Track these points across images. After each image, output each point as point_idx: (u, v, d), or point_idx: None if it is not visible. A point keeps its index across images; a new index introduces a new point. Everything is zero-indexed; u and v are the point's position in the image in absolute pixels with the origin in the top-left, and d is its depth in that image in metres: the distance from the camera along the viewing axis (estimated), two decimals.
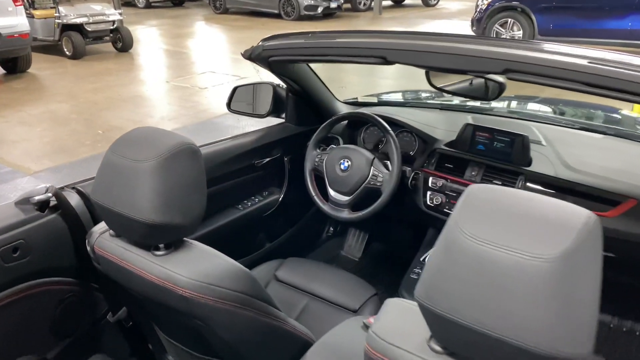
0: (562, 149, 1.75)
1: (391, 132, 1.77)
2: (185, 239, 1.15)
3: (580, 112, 2.24)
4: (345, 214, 1.83)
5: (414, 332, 0.84)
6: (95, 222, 1.37)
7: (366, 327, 1.33)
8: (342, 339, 1.30)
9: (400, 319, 0.89)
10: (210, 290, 1.03)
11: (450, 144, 1.87)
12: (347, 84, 6.34)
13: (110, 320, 1.49)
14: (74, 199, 1.36)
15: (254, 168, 2.01)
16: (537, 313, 0.61)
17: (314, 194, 1.92)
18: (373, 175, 1.77)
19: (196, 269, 1.06)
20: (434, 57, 1.34)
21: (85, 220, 1.37)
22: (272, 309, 1.17)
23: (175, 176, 1.04)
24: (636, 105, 2.18)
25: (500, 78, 1.47)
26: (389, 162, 1.81)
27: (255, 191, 2.10)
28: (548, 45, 1.30)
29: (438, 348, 0.79)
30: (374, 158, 1.79)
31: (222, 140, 1.90)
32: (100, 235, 1.19)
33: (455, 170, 1.81)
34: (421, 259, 1.88)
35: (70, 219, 1.33)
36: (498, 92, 1.44)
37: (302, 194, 2.22)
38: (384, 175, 1.76)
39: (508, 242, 0.63)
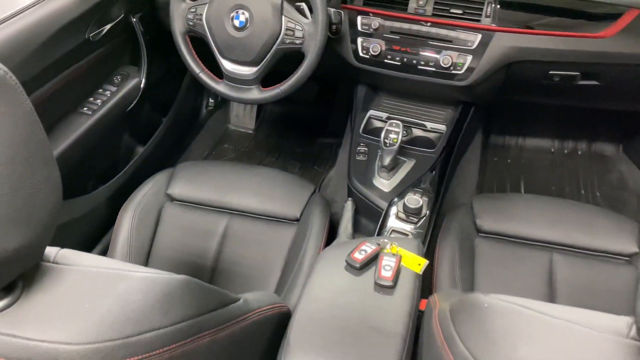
0: None
1: None
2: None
3: None
4: (254, 94, 1.26)
5: None
6: None
7: (352, 266, 0.93)
8: (328, 295, 0.90)
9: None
10: (129, 349, 0.52)
11: None
12: None
13: None
14: None
15: (91, 45, 1.28)
16: None
17: (197, 70, 1.29)
18: (287, 29, 1.18)
19: (87, 318, 0.53)
20: None
21: None
22: (228, 308, 0.70)
23: None
24: None
25: None
26: (303, 4, 1.22)
27: (103, 80, 1.39)
28: None
29: None
30: (282, 2, 1.18)
31: (22, 11, 1.11)
32: None
33: (394, 1, 1.29)
34: (361, 131, 1.44)
35: None
36: None
37: (170, 63, 1.55)
38: (305, 27, 1.18)
39: None
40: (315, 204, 1.24)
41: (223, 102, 2.00)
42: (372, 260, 0.94)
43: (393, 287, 0.87)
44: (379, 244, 0.97)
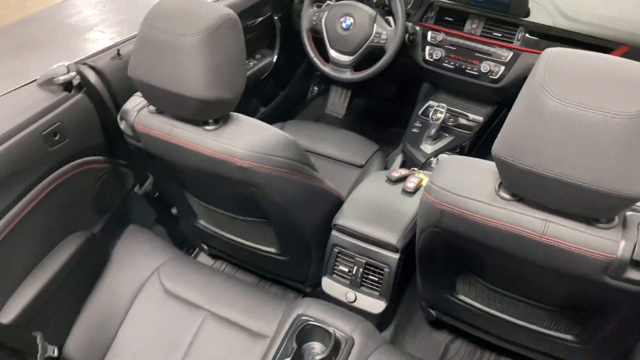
0: None
1: None
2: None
3: None
4: (348, 75, 1.84)
5: (479, 185, 0.95)
6: (114, 99, 1.33)
7: (390, 180, 1.44)
8: (371, 192, 1.42)
9: (460, 174, 0.99)
10: (266, 160, 1.09)
11: None
12: None
13: (138, 193, 1.53)
14: (90, 76, 1.30)
15: (247, 30, 1.93)
16: (618, 162, 0.72)
17: (312, 55, 1.90)
18: (377, 32, 1.76)
19: (250, 140, 1.09)
20: None
21: (105, 97, 1.33)
22: (313, 172, 1.25)
23: (222, 50, 1.02)
24: None
25: None
26: (390, 18, 1.79)
27: (249, 54, 2.04)
28: None
29: (507, 196, 0.90)
30: (376, 15, 1.76)
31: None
32: (139, 113, 1.17)
33: (455, 23, 1.82)
34: (419, 113, 1.97)
35: (94, 97, 1.29)
36: None
37: (293, 54, 2.18)
38: (388, 33, 1.75)
39: (593, 102, 0.71)
40: (376, 157, 1.78)
41: (324, 91, 2.61)
42: (403, 178, 1.46)
43: (413, 193, 1.39)
44: (409, 171, 1.50)
